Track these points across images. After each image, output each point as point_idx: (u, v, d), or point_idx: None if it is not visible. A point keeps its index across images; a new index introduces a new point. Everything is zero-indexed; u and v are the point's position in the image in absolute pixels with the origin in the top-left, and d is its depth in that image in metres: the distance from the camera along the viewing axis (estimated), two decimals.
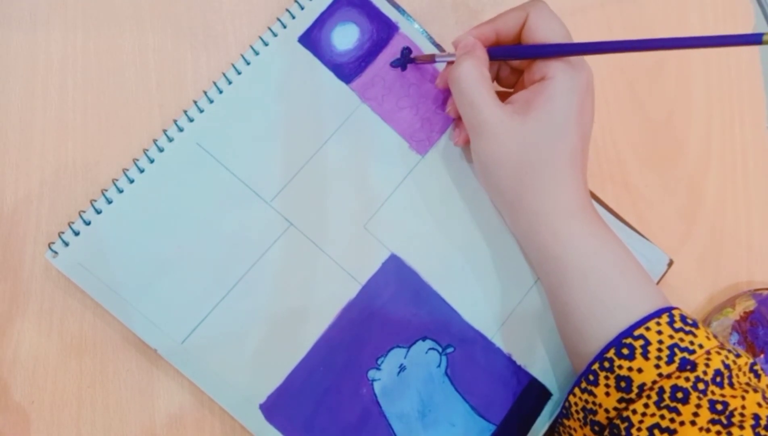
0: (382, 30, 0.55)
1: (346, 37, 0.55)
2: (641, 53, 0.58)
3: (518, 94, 0.49)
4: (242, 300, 0.50)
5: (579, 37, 0.58)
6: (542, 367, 0.53)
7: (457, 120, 0.53)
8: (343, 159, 0.53)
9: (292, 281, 0.51)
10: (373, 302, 0.52)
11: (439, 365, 0.52)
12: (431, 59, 0.53)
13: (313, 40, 0.54)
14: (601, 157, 0.58)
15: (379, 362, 0.51)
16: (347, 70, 0.54)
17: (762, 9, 0.62)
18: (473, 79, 0.47)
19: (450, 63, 0.52)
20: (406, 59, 0.55)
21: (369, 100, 0.54)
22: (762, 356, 0.55)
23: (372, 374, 0.51)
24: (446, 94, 0.55)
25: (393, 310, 0.52)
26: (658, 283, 0.56)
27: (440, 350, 0.52)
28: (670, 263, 0.56)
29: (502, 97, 0.50)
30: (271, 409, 0.50)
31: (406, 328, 0.52)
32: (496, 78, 0.53)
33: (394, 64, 0.55)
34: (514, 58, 0.50)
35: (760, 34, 0.37)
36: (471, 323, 0.53)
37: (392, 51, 0.55)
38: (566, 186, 0.48)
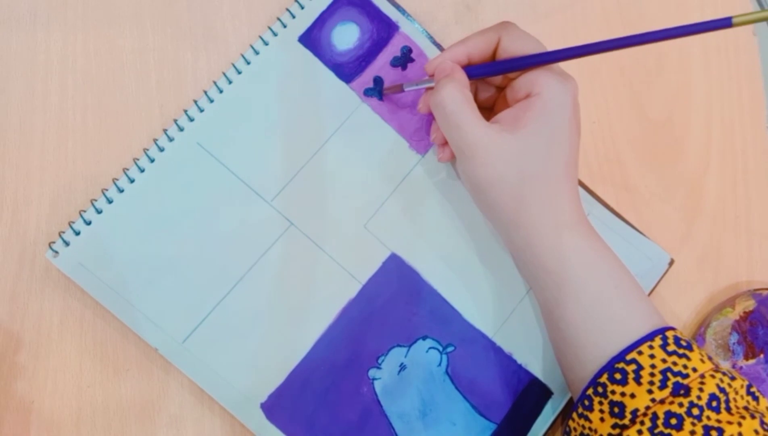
0: (382, 29, 0.55)
1: (346, 36, 0.55)
2: (642, 54, 0.59)
3: (504, 113, 0.48)
4: (243, 299, 0.50)
5: (579, 38, 0.58)
6: (543, 366, 0.53)
7: (441, 144, 0.53)
8: (343, 159, 0.53)
9: (292, 280, 0.51)
10: (374, 301, 0.52)
11: (439, 364, 0.52)
12: (400, 89, 0.52)
13: (313, 39, 0.54)
14: (601, 157, 0.58)
15: (379, 361, 0.51)
16: (347, 69, 0.54)
17: (762, 9, 0.62)
18: (457, 102, 0.46)
19: (429, 89, 0.51)
20: (379, 88, 0.54)
21: (369, 99, 0.54)
22: (761, 355, 0.55)
23: (373, 373, 0.51)
24: (429, 119, 0.54)
25: (393, 309, 0.52)
26: (658, 282, 0.56)
27: (441, 349, 0.52)
28: (671, 262, 0.56)
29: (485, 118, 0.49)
30: (272, 408, 0.50)
31: (406, 327, 0.52)
32: (475, 99, 0.52)
33: (394, 64, 0.55)
34: (499, 73, 0.49)
35: (729, 18, 0.38)
36: (471, 322, 0.53)
37: (392, 50, 0.55)
38: (562, 199, 0.47)
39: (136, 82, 0.53)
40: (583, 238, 0.47)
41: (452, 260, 0.54)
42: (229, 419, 0.50)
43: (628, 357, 0.44)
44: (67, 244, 0.49)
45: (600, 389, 0.44)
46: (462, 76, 0.48)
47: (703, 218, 0.59)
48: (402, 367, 0.51)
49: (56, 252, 0.49)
